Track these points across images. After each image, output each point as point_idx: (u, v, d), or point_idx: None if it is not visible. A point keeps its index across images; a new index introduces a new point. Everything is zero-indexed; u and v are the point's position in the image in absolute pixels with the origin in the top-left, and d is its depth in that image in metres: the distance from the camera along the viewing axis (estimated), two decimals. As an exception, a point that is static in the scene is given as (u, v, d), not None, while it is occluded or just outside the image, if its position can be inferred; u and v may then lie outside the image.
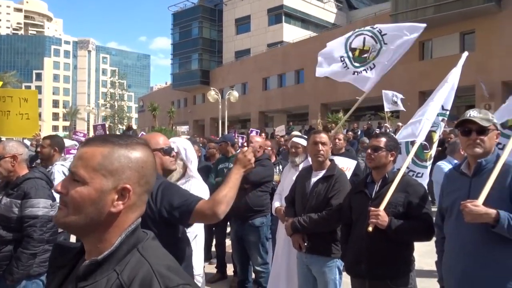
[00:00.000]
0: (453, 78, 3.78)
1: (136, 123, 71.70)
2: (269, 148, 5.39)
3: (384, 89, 15.41)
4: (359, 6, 46.96)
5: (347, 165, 4.58)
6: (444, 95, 3.68)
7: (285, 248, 4.05)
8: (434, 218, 2.83)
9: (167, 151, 2.45)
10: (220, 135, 14.59)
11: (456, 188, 2.57)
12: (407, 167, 3.68)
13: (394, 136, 3.35)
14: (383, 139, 3.00)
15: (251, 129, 16.39)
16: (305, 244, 3.40)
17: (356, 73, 5.07)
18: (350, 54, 5.13)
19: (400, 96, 13.95)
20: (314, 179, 3.53)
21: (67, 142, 12.29)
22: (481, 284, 2.34)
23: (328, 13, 45.78)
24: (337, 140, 5.80)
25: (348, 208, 3.14)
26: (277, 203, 4.17)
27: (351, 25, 34.64)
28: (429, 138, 3.83)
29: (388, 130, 13.67)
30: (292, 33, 41.83)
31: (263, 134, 16.97)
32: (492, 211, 2.22)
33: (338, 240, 3.32)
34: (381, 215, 2.72)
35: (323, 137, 3.54)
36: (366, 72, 5.01)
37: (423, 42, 26.14)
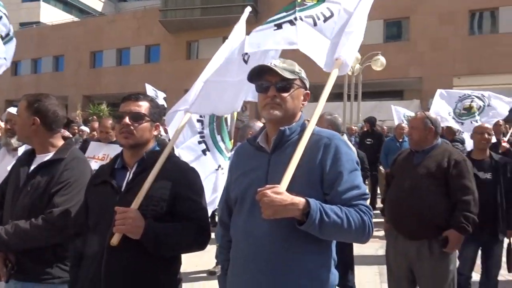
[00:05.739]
0: (236, 35, 3.02)
1: None
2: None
3: (151, 84, 14.76)
4: (129, -1, 45.48)
5: (114, 152, 3.73)
6: (224, 54, 2.84)
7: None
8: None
9: None
10: None
11: (249, 169, 1.75)
12: (220, 165, 3.11)
13: (157, 102, 2.30)
14: (146, 104, 1.97)
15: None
16: (5, 270, 2.06)
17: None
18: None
19: (163, 94, 13.46)
20: (33, 167, 2.24)
21: None
22: None
23: (96, 1, 42.58)
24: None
25: (84, 209, 2.00)
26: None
27: (118, 15, 32.94)
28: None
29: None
30: (51, 14, 37.09)
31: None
32: (300, 201, 1.49)
33: (65, 259, 2.12)
34: (132, 217, 1.70)
35: None
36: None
37: (190, 42, 26.83)
